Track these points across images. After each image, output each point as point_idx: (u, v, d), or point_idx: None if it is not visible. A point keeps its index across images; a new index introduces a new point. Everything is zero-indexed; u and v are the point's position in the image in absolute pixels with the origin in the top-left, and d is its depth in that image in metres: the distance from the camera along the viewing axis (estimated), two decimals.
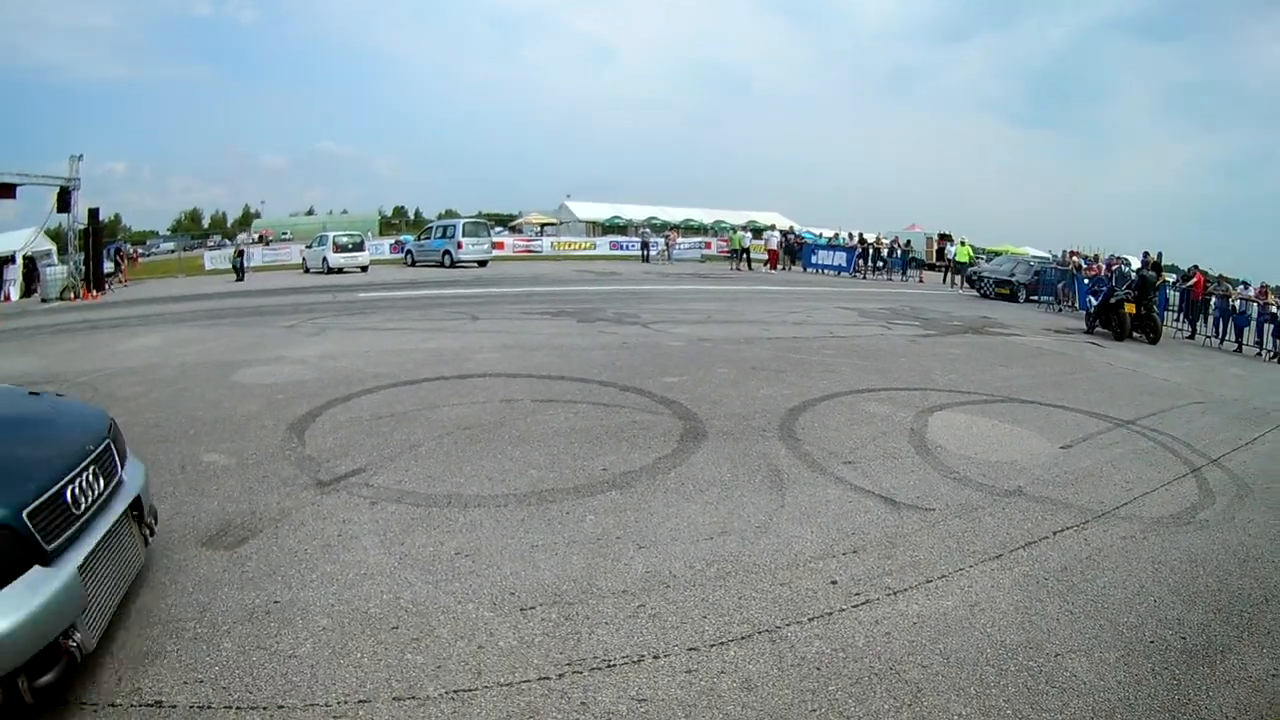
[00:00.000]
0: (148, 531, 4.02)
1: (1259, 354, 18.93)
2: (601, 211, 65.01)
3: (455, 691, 3.25)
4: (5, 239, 28.54)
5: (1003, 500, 5.99)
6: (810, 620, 4.01)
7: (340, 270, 32.50)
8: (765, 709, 3.24)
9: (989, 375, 11.29)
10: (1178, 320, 22.20)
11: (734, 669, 3.51)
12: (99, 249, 27.12)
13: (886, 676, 3.54)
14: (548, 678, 3.36)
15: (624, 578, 4.33)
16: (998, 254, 44.55)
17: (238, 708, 3.14)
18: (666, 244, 45.33)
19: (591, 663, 3.49)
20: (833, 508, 5.56)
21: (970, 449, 7.25)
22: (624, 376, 9.42)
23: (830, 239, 44.02)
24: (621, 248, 49.67)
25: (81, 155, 26.35)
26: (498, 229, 54.99)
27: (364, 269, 33.22)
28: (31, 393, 4.43)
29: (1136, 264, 22.61)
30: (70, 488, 3.29)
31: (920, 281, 37.58)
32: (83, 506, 3.34)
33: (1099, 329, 18.80)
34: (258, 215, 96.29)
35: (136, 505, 3.88)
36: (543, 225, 64.76)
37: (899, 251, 39.58)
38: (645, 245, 43.73)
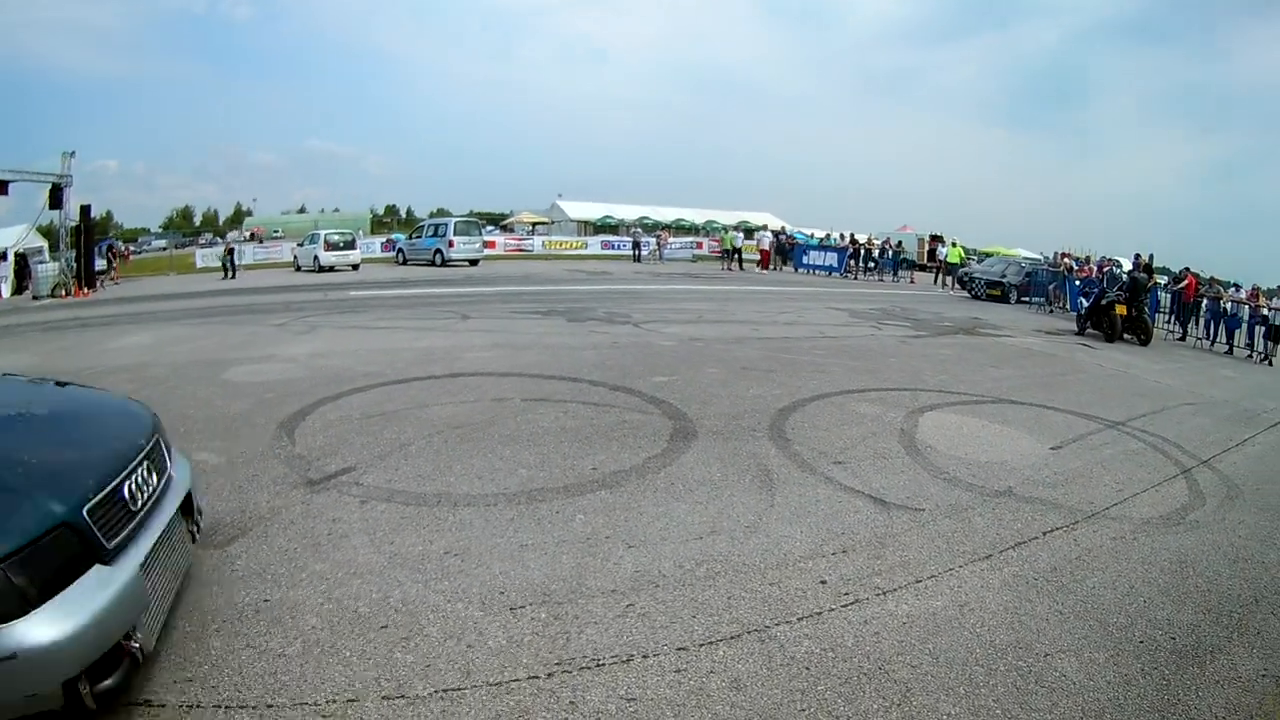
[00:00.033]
0: (195, 528, 3.98)
1: (1250, 356, 19.00)
2: (593, 211, 64.96)
3: (444, 691, 3.25)
4: None
5: (992, 501, 6.01)
6: (799, 620, 4.01)
7: (332, 268, 32.47)
8: (754, 709, 3.24)
9: (979, 376, 11.32)
10: (1169, 322, 22.26)
11: (723, 669, 3.52)
12: (90, 246, 27.04)
13: (876, 676, 3.54)
14: (537, 677, 3.36)
15: (613, 577, 4.34)
16: (989, 255, 44.67)
17: (226, 707, 3.13)
18: (658, 244, 45.26)
19: (580, 662, 3.49)
20: (822, 508, 5.57)
21: (960, 449, 7.26)
22: (614, 376, 9.43)
23: (822, 239, 44.01)
24: (613, 247, 49.57)
25: (74, 152, 26.18)
26: (489, 228, 54.95)
27: (355, 267, 33.13)
28: (59, 383, 4.44)
29: (1128, 266, 22.70)
30: (127, 483, 3.25)
31: (911, 282, 37.62)
32: (139, 503, 3.30)
33: (1090, 330, 18.85)
34: (249, 213, 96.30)
35: (186, 501, 3.84)
36: (534, 224, 64.67)
37: (890, 252, 39.70)
38: (637, 245, 43.59)
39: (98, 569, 2.87)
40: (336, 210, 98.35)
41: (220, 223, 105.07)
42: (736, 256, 38.87)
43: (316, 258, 32.84)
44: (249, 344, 11.68)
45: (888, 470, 6.50)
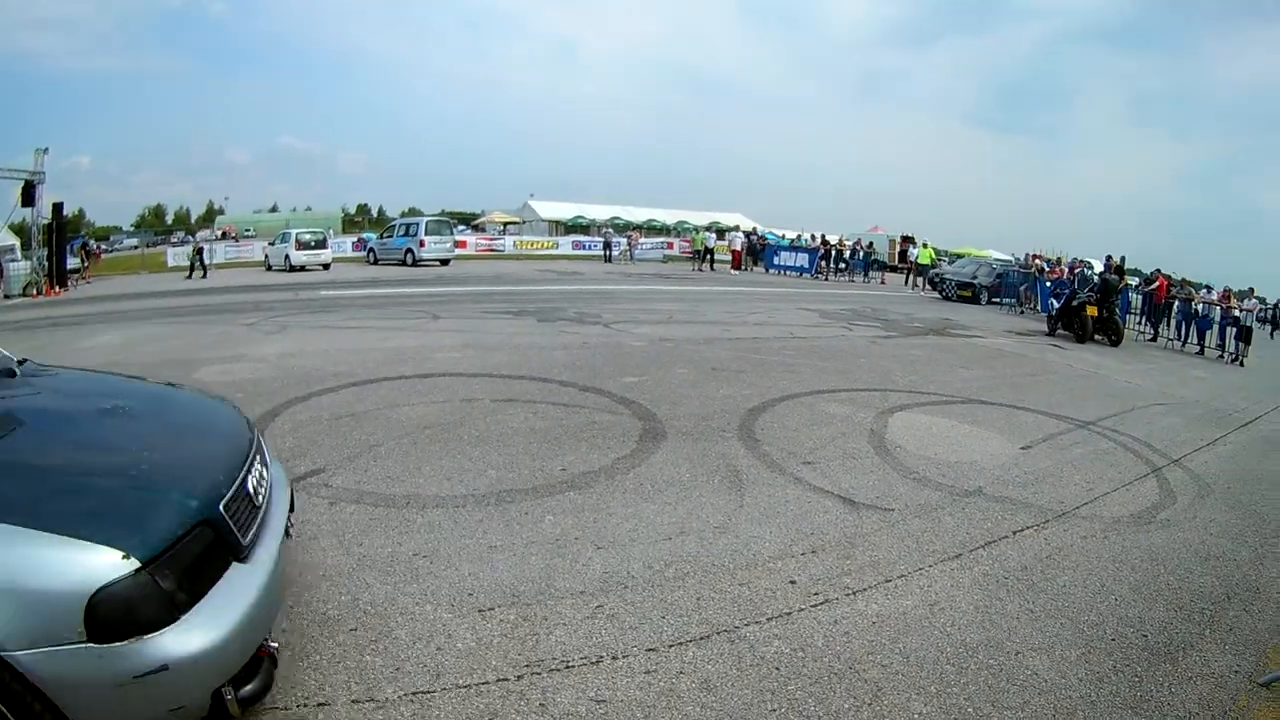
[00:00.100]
0: (290, 524, 3.86)
1: (1221, 357, 19.29)
2: (564, 211, 64.92)
3: (414, 694, 3.23)
4: None
5: (962, 500, 6.05)
6: (769, 620, 4.02)
7: (303, 268, 32.26)
8: (725, 709, 3.24)
9: (949, 376, 11.39)
10: (1140, 323, 22.52)
11: (693, 669, 3.51)
12: (62, 245, 26.71)
13: (846, 676, 3.55)
14: (506, 679, 3.34)
15: (582, 578, 4.32)
16: (960, 256, 45.02)
17: None
18: (629, 244, 45.35)
19: (550, 664, 3.48)
20: (792, 508, 5.59)
21: (930, 449, 7.30)
22: (584, 376, 9.41)
23: (793, 240, 44.18)
24: (584, 247, 49.63)
25: (47, 148, 25.90)
26: (461, 228, 54.73)
27: (326, 266, 32.96)
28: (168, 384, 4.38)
29: (1099, 267, 22.90)
30: (249, 479, 3.17)
31: (882, 283, 37.85)
32: (260, 498, 3.23)
33: (1061, 331, 19.03)
34: (221, 211, 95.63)
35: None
36: (506, 224, 64.57)
37: (861, 253, 39.91)
38: (608, 245, 43.64)
39: (236, 567, 2.79)
40: (308, 209, 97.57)
41: (192, 221, 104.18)
42: (708, 257, 38.92)
43: (288, 257, 32.65)
44: (219, 344, 11.57)
45: (857, 470, 6.53)
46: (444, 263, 34.94)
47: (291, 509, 3.84)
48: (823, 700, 3.35)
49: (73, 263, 28.75)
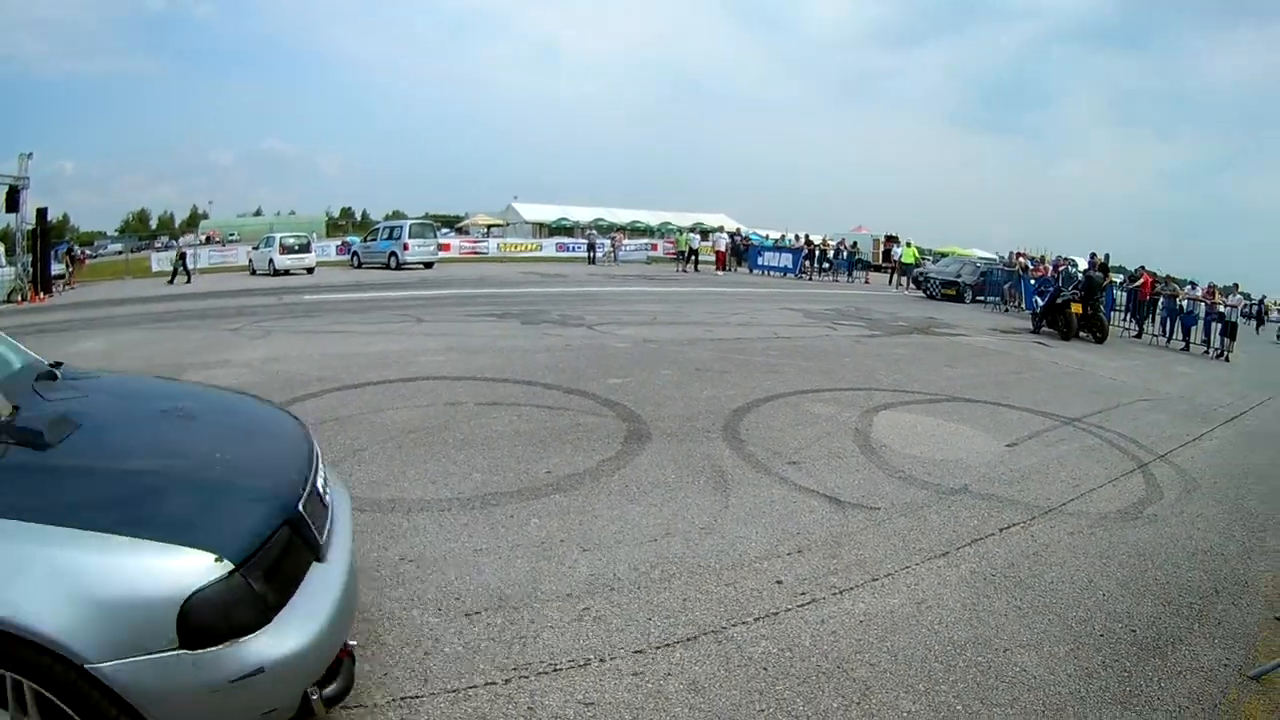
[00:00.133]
0: None
1: (1206, 352, 19.40)
2: (548, 213, 64.91)
3: (402, 699, 3.21)
4: None
5: (948, 498, 6.07)
6: (756, 620, 4.02)
7: (287, 272, 32.04)
8: (713, 710, 3.24)
9: (934, 375, 11.43)
10: (1125, 320, 22.62)
11: (680, 671, 3.51)
12: (47, 250, 26.48)
13: (834, 675, 3.56)
14: (494, 683, 3.33)
15: (568, 581, 4.32)
16: (944, 255, 45.16)
17: None
18: (613, 246, 45.37)
19: (538, 667, 3.47)
20: (777, 508, 5.59)
21: (915, 448, 7.32)
22: (568, 379, 9.40)
23: (777, 241, 44.25)
24: (568, 249, 49.61)
25: (31, 153, 25.64)
26: (444, 230, 54.71)
27: (310, 270, 32.78)
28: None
29: (1083, 265, 23.02)
30: (317, 478, 3.13)
31: (866, 283, 37.96)
32: (327, 498, 3.19)
33: (1045, 329, 19.12)
34: (205, 216, 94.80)
35: None
36: (489, 227, 64.56)
37: (845, 253, 40.00)
38: (592, 247, 43.64)
39: (317, 567, 2.75)
40: (292, 213, 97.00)
41: (176, 225, 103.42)
42: (693, 258, 38.94)
43: (271, 261, 32.44)
44: (203, 349, 11.50)
45: (842, 470, 6.54)
46: (428, 266, 34.87)
47: None
48: (811, 700, 3.35)
49: (57, 269, 28.51)
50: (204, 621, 2.24)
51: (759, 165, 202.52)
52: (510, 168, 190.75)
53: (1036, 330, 19.27)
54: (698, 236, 42.35)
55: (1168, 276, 23.61)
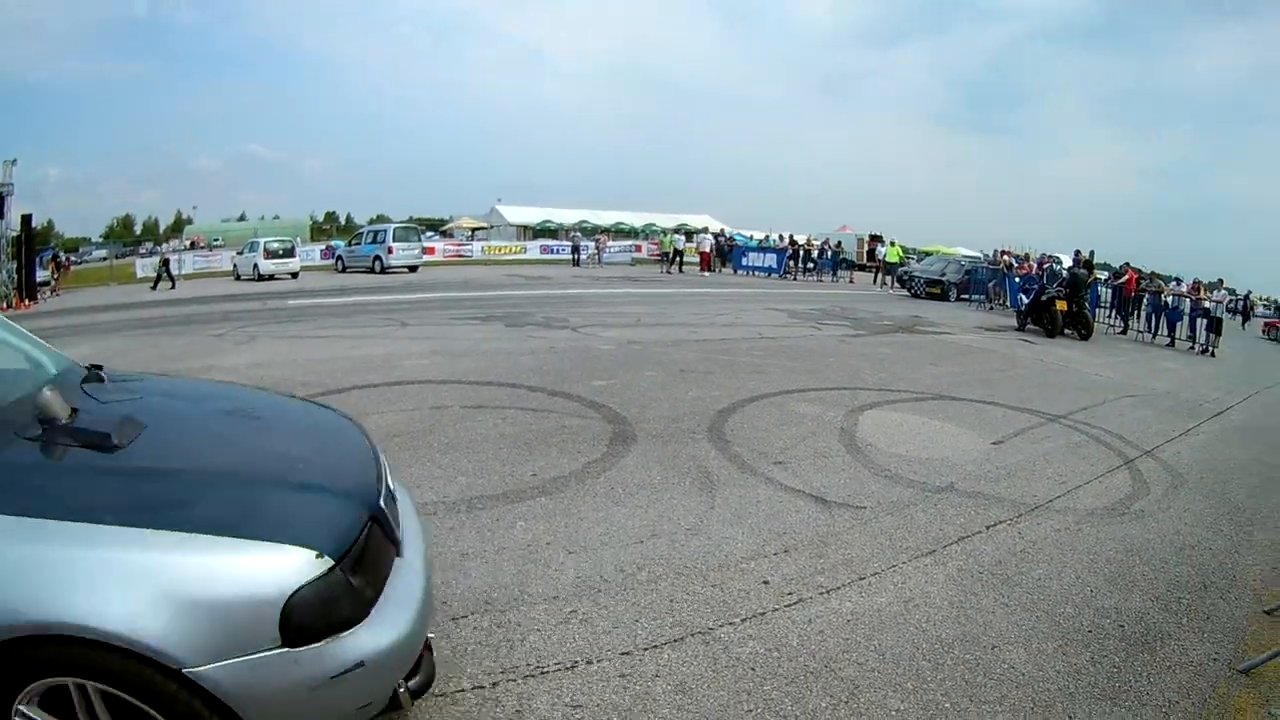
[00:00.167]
0: None
1: (1191, 348, 19.49)
2: (532, 215, 64.76)
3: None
4: None
5: (935, 496, 6.07)
6: (743, 621, 4.01)
7: (271, 277, 31.87)
8: (700, 711, 3.23)
9: (919, 374, 11.46)
10: (1110, 317, 22.72)
11: (668, 672, 3.50)
12: (32, 257, 26.31)
13: (822, 675, 3.56)
14: (482, 686, 3.32)
15: (555, 584, 4.30)
16: (928, 254, 45.31)
17: None
18: (597, 248, 45.38)
19: (525, 670, 3.45)
20: (763, 508, 5.59)
21: (901, 447, 7.33)
22: (553, 381, 9.38)
23: (761, 241, 44.30)
24: (552, 252, 49.56)
25: (15, 159, 25.47)
26: (429, 234, 54.63)
27: (295, 275, 32.64)
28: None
29: (1068, 262, 23.13)
30: (387, 474, 3.16)
31: (851, 282, 38.08)
32: (396, 496, 3.20)
33: (1030, 326, 19.20)
34: (189, 221, 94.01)
35: None
36: (474, 230, 64.44)
37: (829, 253, 40.05)
38: (576, 249, 43.62)
39: (398, 561, 2.76)
40: (276, 217, 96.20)
41: (161, 231, 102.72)
42: (677, 259, 38.96)
43: (256, 266, 32.30)
44: (187, 355, 11.43)
45: (828, 469, 6.54)
46: (412, 269, 34.74)
47: None
48: (799, 700, 3.35)
49: (42, 275, 28.32)
50: (306, 618, 2.23)
51: (743, 166, 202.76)
52: (495, 170, 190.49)
53: (1021, 328, 19.34)
54: (682, 238, 42.39)
55: (1152, 273, 23.80)
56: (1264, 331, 34.69)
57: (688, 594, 4.26)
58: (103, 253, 63.87)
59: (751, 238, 48.03)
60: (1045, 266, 23.51)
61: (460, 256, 47.45)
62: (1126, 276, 22.65)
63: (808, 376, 10.57)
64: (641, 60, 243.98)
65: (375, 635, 2.38)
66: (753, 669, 3.57)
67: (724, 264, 41.05)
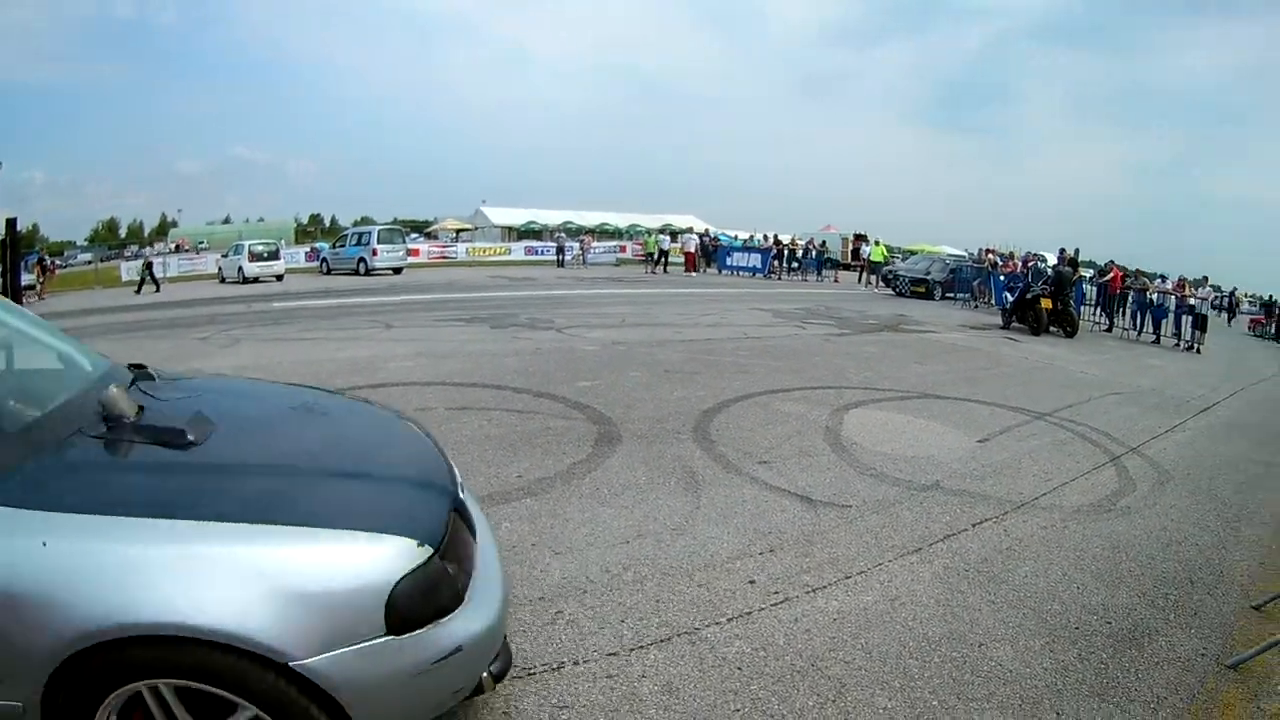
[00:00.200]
0: None
1: (1177, 345, 19.59)
2: (517, 217, 64.58)
3: None
4: None
5: (920, 495, 6.08)
6: (729, 620, 4.01)
7: (256, 279, 31.75)
8: (687, 711, 3.23)
9: (904, 372, 11.48)
10: (1095, 314, 22.81)
11: (655, 672, 3.49)
12: (17, 261, 26.13)
13: (809, 674, 3.55)
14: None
15: (541, 585, 4.28)
16: (913, 253, 45.48)
17: None
18: (582, 249, 45.40)
19: (512, 672, 3.42)
20: (749, 508, 5.58)
21: (886, 445, 7.34)
22: (537, 382, 9.35)
23: (746, 241, 44.33)
24: (537, 253, 49.48)
25: (1, 163, 25.33)
26: (413, 235, 54.44)
27: (279, 278, 32.49)
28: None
29: (1053, 260, 23.22)
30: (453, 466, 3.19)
31: (835, 282, 38.21)
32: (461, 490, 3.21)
33: (1016, 324, 19.26)
34: (174, 224, 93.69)
35: None
36: (458, 231, 64.27)
37: (814, 252, 40.10)
38: (561, 250, 43.60)
39: (477, 548, 2.80)
40: (261, 220, 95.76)
41: (146, 234, 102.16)
42: (662, 260, 38.98)
43: (241, 269, 32.15)
44: (171, 359, 11.31)
45: (813, 468, 6.54)
46: (397, 271, 34.64)
47: None
48: (786, 699, 3.34)
49: (27, 279, 28.09)
50: (410, 606, 2.28)
51: (727, 166, 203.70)
52: (479, 172, 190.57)
53: (1006, 326, 19.40)
54: (667, 238, 42.44)
55: (1137, 270, 23.82)
56: (1249, 328, 34.94)
57: (674, 594, 4.25)
58: (87, 256, 63.55)
59: (736, 238, 48.04)
60: (1030, 264, 23.60)
61: (445, 258, 47.32)
62: (1111, 274, 22.74)
63: (792, 376, 10.57)
64: (626, 62, 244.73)
65: (470, 620, 2.45)
66: (739, 668, 3.56)
67: (709, 264, 41.07)
